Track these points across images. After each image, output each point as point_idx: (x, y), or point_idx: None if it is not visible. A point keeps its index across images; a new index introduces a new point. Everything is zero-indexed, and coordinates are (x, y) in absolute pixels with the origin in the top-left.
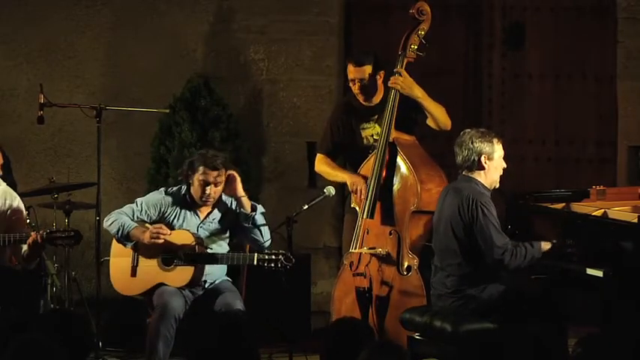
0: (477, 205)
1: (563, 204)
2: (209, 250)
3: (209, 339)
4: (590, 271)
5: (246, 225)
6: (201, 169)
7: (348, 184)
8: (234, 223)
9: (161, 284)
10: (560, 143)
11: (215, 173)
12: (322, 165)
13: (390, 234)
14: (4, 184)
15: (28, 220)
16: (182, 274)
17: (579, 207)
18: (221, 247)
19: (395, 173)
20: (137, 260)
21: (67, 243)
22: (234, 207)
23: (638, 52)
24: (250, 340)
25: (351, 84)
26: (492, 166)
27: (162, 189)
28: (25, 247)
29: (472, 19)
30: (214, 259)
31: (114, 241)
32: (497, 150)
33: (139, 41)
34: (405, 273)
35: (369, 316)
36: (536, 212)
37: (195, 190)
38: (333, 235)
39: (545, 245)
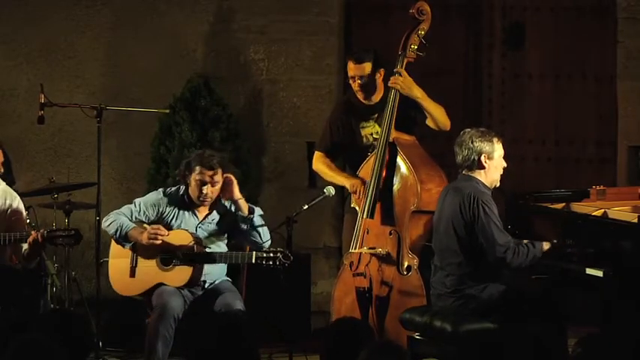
0: (478, 204)
1: (563, 204)
2: (207, 250)
3: (209, 339)
4: (589, 271)
5: (245, 227)
6: (197, 168)
7: (348, 186)
8: (233, 225)
9: (160, 284)
10: (560, 143)
11: (211, 172)
12: (320, 164)
13: (390, 234)
14: (4, 183)
15: (28, 220)
16: (181, 274)
17: (579, 207)
18: (220, 247)
19: (395, 173)
20: (136, 261)
21: (67, 242)
22: (233, 209)
23: (638, 52)
24: (250, 340)
25: (350, 81)
26: (492, 165)
27: (160, 189)
28: (25, 246)
29: (472, 19)
30: (213, 258)
31: (112, 242)
32: (497, 149)
33: (139, 41)
34: (405, 273)
35: (369, 316)
36: (536, 212)
37: (192, 190)
38: (333, 235)
39: (546, 245)
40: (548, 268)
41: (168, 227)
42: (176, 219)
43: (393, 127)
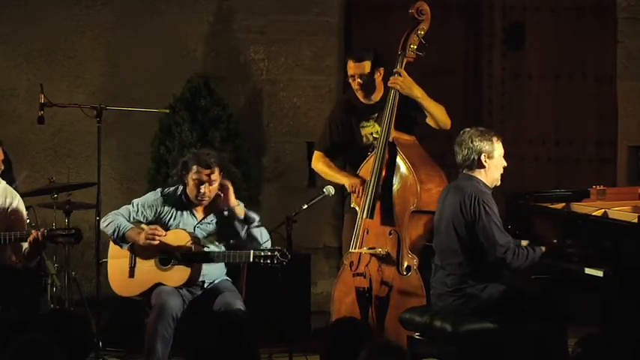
0: (479, 203)
1: (563, 204)
2: (206, 250)
3: (209, 339)
4: (589, 271)
5: (243, 234)
6: (194, 168)
7: (347, 185)
8: (232, 227)
9: (159, 284)
10: (560, 143)
11: (208, 171)
12: (320, 163)
13: (390, 234)
14: (4, 182)
15: (28, 220)
16: (179, 273)
17: (579, 207)
18: (218, 247)
19: (394, 173)
20: (134, 261)
21: (67, 241)
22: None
23: (638, 52)
24: (250, 339)
25: (350, 80)
26: (493, 164)
27: (158, 190)
28: (25, 245)
29: (472, 19)
30: (211, 257)
31: (111, 242)
32: (497, 148)
33: (139, 41)
34: (405, 273)
35: (369, 316)
36: (536, 212)
37: (190, 190)
38: (333, 235)
39: (544, 249)
40: (548, 268)
41: (167, 227)
42: (174, 219)
43: (392, 126)
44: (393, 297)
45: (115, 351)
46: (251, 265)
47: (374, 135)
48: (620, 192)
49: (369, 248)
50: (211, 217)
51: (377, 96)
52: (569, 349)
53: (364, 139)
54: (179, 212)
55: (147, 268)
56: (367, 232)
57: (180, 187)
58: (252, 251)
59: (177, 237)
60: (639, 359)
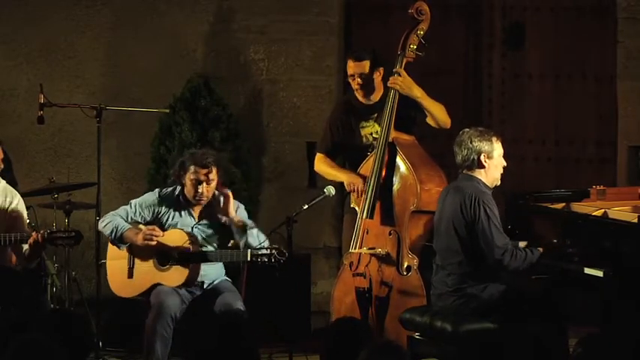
0: (479, 204)
1: (563, 204)
2: (203, 250)
3: (209, 339)
4: (589, 271)
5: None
6: (192, 168)
7: (345, 183)
8: (230, 229)
9: (158, 284)
10: (560, 143)
11: (206, 171)
12: (322, 165)
13: (390, 234)
14: (4, 181)
15: (27, 220)
16: (177, 273)
17: (579, 207)
18: (216, 248)
19: (394, 173)
20: (133, 262)
21: (67, 243)
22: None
23: (638, 52)
24: (250, 339)
25: (350, 79)
26: (492, 164)
27: (156, 190)
28: (25, 247)
29: (472, 19)
30: (208, 257)
31: (109, 243)
32: (497, 148)
33: (139, 41)
34: (405, 273)
35: (369, 316)
36: (536, 212)
37: (188, 190)
38: (333, 235)
39: (542, 250)
40: (548, 268)
41: (165, 228)
42: (172, 219)
43: (392, 126)
44: (393, 297)
45: (115, 351)
46: (251, 265)
47: (374, 135)
48: (620, 192)
49: (369, 248)
50: (211, 218)
51: (376, 96)
52: (569, 349)
53: (364, 139)
54: (177, 213)
55: (145, 269)
56: (367, 233)
57: (178, 188)
58: (249, 250)
59: (174, 237)
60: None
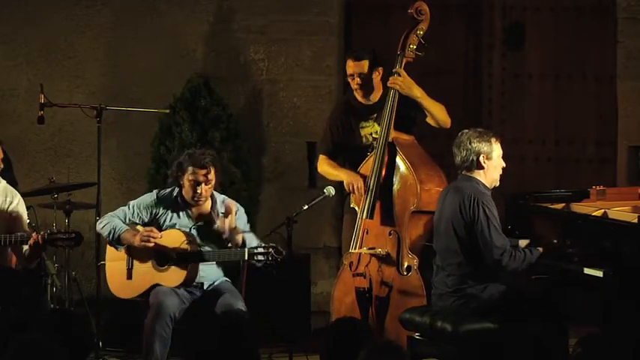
0: (478, 204)
1: (563, 204)
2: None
3: (210, 339)
4: (588, 271)
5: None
6: (190, 169)
7: (345, 183)
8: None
9: (157, 285)
10: (560, 143)
11: (204, 171)
12: (324, 166)
13: (390, 234)
14: (4, 181)
15: (28, 221)
16: (176, 273)
17: (579, 207)
18: (214, 248)
19: (394, 173)
20: (132, 263)
21: (67, 244)
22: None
23: (638, 52)
24: (251, 339)
25: (349, 79)
26: (491, 165)
27: (154, 191)
28: (25, 247)
29: (472, 19)
30: (206, 256)
31: (108, 245)
32: (496, 149)
33: (139, 41)
34: (405, 273)
35: (369, 316)
36: (536, 212)
37: (186, 191)
38: (333, 235)
39: (541, 250)
40: (548, 268)
41: (163, 229)
42: (170, 220)
43: (392, 126)
44: (393, 297)
45: (115, 351)
46: (250, 266)
47: (373, 135)
48: (620, 192)
49: (369, 248)
50: (209, 219)
51: (376, 96)
52: (569, 349)
53: (364, 139)
54: (175, 214)
55: (144, 270)
56: (367, 233)
57: (176, 189)
58: (246, 249)
59: (172, 237)
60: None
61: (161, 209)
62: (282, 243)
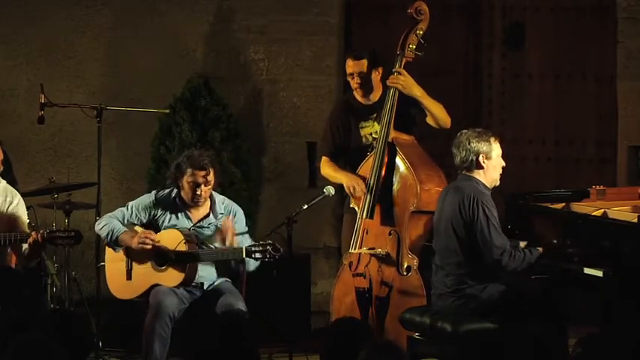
0: (477, 204)
1: (563, 204)
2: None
3: (210, 339)
4: (588, 271)
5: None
6: (189, 171)
7: (345, 186)
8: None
9: (156, 285)
10: (560, 143)
11: (204, 173)
12: (326, 168)
13: (390, 234)
14: (4, 181)
15: (28, 221)
16: (175, 273)
17: (579, 207)
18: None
19: (394, 173)
20: (131, 264)
21: (67, 243)
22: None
23: (638, 52)
24: (251, 339)
25: (349, 78)
26: (491, 165)
27: (153, 192)
28: (25, 246)
29: (472, 19)
30: (205, 256)
31: (106, 246)
32: (495, 149)
33: (139, 41)
34: (405, 273)
35: (369, 316)
36: (536, 212)
37: (185, 193)
38: (333, 235)
39: (541, 250)
40: (548, 268)
41: (161, 230)
42: (169, 222)
43: (392, 126)
44: (393, 297)
45: (115, 351)
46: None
47: (373, 135)
48: (620, 192)
49: (369, 249)
50: (209, 220)
51: (375, 95)
52: (569, 349)
53: (364, 139)
54: (173, 215)
55: (143, 270)
56: (367, 233)
57: (175, 190)
58: (244, 247)
59: (170, 237)
60: (639, 359)
61: (160, 210)
62: (282, 243)
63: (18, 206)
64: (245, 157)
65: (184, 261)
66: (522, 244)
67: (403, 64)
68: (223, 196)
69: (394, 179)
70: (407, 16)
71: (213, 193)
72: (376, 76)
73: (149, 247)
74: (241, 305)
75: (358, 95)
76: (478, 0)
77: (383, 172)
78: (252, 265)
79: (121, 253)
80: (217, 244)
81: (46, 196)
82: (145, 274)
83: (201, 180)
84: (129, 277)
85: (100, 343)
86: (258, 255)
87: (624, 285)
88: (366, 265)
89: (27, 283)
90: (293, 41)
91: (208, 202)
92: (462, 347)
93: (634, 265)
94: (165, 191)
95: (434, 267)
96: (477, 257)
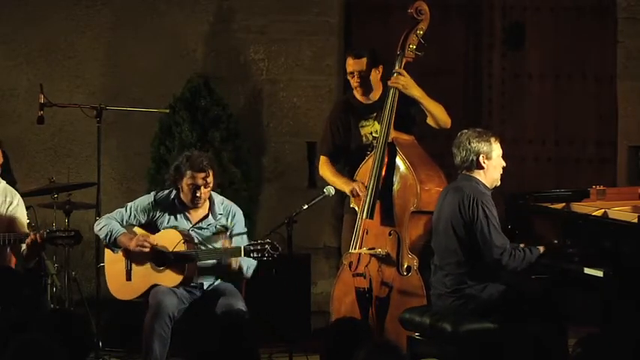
0: (477, 204)
1: (563, 204)
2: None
3: (210, 339)
4: (588, 271)
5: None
6: (188, 173)
7: (347, 192)
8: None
9: (156, 285)
10: (560, 143)
11: (203, 175)
12: (325, 170)
13: (390, 234)
14: (4, 182)
15: (28, 221)
16: (174, 273)
17: (579, 207)
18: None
19: (394, 173)
20: (130, 265)
21: (67, 243)
22: (228, 222)
23: (638, 52)
24: (251, 340)
25: (349, 77)
26: (491, 165)
27: (152, 193)
28: (24, 247)
29: (472, 19)
30: (203, 255)
31: (105, 247)
32: (495, 149)
33: (139, 41)
34: (405, 273)
35: (369, 317)
36: (536, 212)
37: (185, 195)
38: (333, 235)
39: (542, 249)
40: (548, 268)
41: (160, 231)
42: (168, 223)
43: (392, 126)
44: (393, 297)
45: (115, 351)
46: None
47: (373, 134)
48: (620, 192)
49: (369, 249)
50: (209, 221)
51: (375, 95)
52: (569, 349)
53: (364, 138)
54: (172, 216)
55: (143, 271)
56: (367, 233)
57: (174, 191)
58: (242, 246)
59: (169, 237)
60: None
61: (159, 212)
62: (282, 243)
63: (17, 207)
64: (245, 157)
65: (183, 261)
66: (521, 246)
67: (403, 64)
68: (222, 197)
69: (394, 179)
70: (407, 16)
71: (213, 193)
72: (376, 75)
73: (147, 249)
74: (241, 305)
75: (358, 94)
76: (478, 0)
77: (383, 173)
78: (250, 270)
79: (120, 254)
80: (216, 245)
81: (46, 196)
82: (145, 274)
83: (200, 182)
84: (128, 277)
85: (100, 343)
86: (256, 254)
87: (624, 285)
88: (366, 265)
89: (27, 283)
90: (293, 41)
91: (207, 203)
92: (461, 347)
93: (634, 265)
94: (164, 192)
95: (433, 267)
96: (477, 257)
